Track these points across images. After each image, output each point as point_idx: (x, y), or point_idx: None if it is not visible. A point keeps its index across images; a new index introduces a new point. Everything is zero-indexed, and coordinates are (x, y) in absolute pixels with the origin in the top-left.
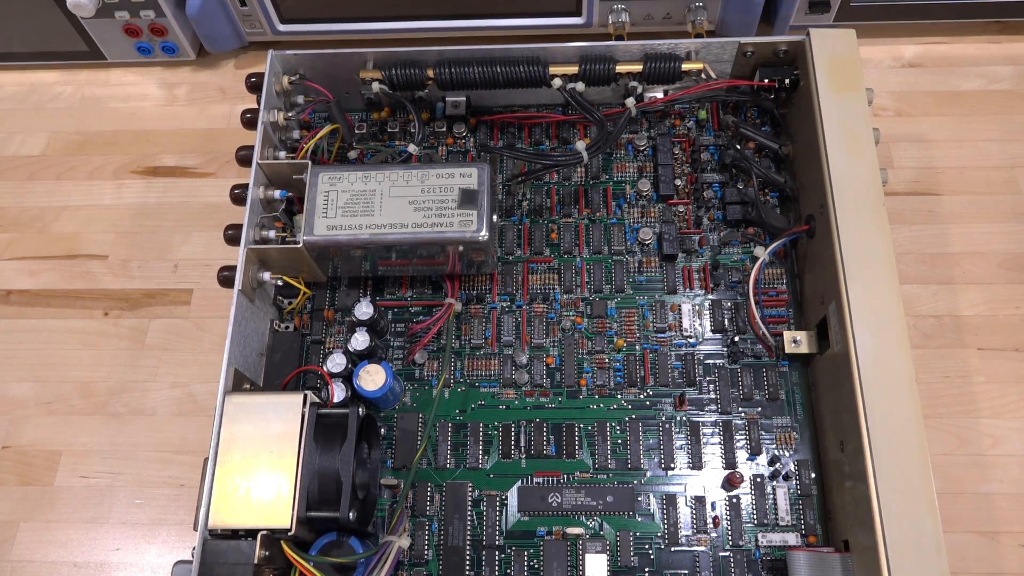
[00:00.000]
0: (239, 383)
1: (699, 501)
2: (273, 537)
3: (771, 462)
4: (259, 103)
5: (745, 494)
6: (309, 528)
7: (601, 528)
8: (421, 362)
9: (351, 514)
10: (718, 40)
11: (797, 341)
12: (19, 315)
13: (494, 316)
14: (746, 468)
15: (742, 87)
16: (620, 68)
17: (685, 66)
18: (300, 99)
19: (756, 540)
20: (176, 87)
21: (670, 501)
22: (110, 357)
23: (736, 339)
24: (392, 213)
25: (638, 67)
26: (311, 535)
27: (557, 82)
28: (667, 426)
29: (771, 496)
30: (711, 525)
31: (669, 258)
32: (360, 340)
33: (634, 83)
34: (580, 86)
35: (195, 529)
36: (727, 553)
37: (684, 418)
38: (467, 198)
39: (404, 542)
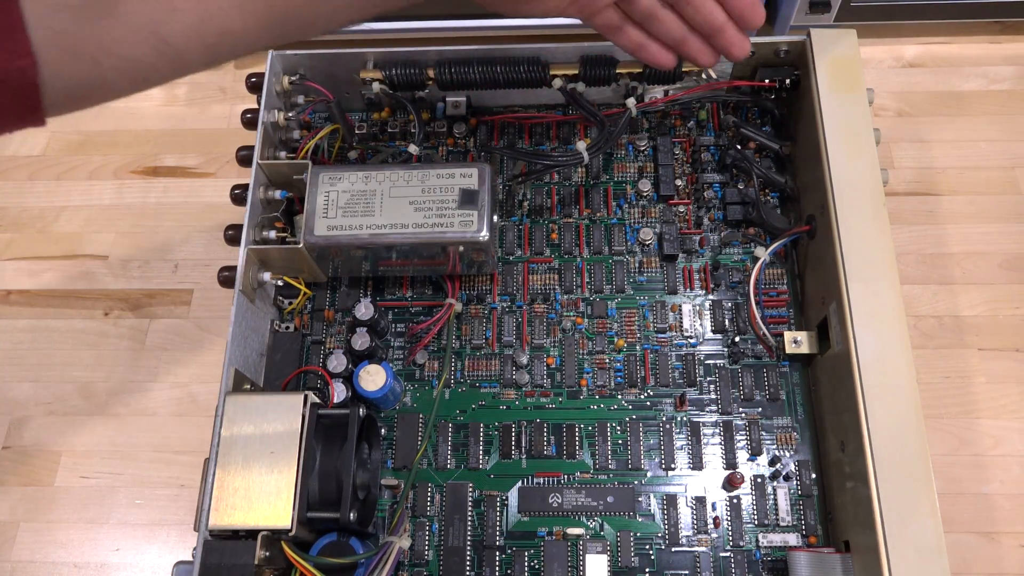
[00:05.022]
0: (239, 383)
1: (700, 501)
2: (273, 537)
3: (772, 462)
4: (259, 103)
5: (746, 494)
6: (309, 529)
7: (602, 528)
8: (421, 362)
9: (351, 515)
10: None
11: (798, 341)
12: (19, 315)
13: (494, 316)
14: (747, 468)
15: (743, 87)
16: (620, 68)
17: (685, 66)
18: (300, 99)
19: (757, 540)
20: (176, 87)
21: (671, 501)
22: (110, 357)
23: (737, 339)
24: (392, 213)
25: (638, 67)
26: (311, 535)
27: (557, 82)
28: (667, 426)
29: (772, 496)
30: (712, 525)
31: (669, 258)
32: (360, 340)
33: (634, 83)
34: (580, 86)
35: (195, 529)
36: (728, 553)
37: (685, 418)
38: (467, 198)
39: (404, 543)
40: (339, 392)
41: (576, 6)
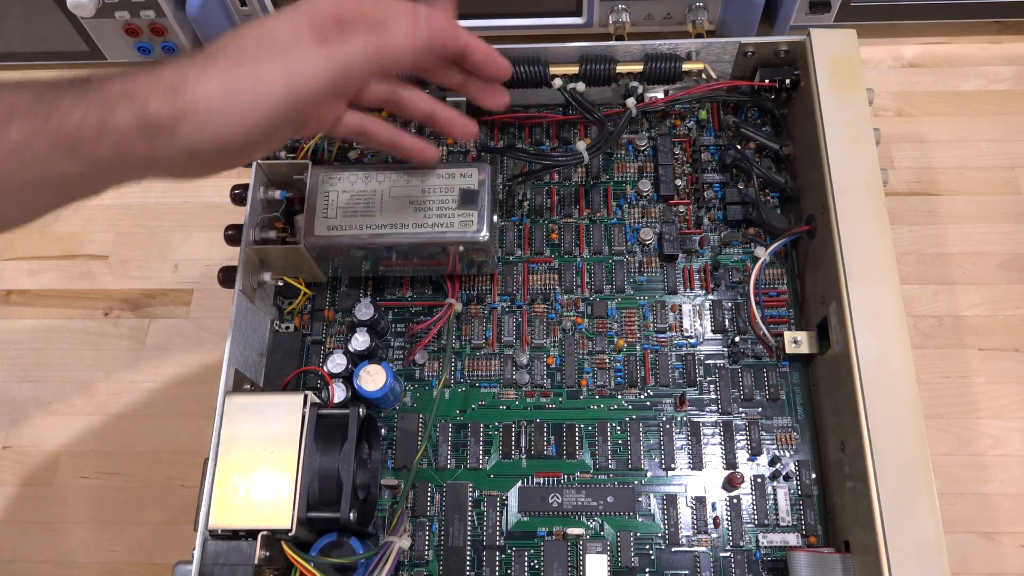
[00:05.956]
0: (239, 383)
1: (699, 501)
2: (273, 537)
3: (772, 462)
4: None
5: (746, 494)
6: (309, 528)
7: (602, 528)
8: (421, 362)
9: (351, 514)
10: (718, 40)
11: (798, 341)
12: (19, 315)
13: (494, 316)
14: (747, 468)
15: (743, 87)
16: (620, 68)
17: (686, 66)
18: None
19: (757, 540)
20: None
21: (671, 501)
22: (110, 357)
23: (737, 339)
24: (392, 213)
25: (638, 67)
26: (311, 535)
27: (557, 82)
28: (667, 426)
29: (772, 496)
30: (712, 525)
31: (669, 258)
32: (360, 340)
33: (634, 83)
34: (580, 86)
35: (195, 529)
36: (728, 553)
37: (684, 418)
38: (467, 198)
39: (404, 542)
40: (339, 392)
41: (308, 130)
